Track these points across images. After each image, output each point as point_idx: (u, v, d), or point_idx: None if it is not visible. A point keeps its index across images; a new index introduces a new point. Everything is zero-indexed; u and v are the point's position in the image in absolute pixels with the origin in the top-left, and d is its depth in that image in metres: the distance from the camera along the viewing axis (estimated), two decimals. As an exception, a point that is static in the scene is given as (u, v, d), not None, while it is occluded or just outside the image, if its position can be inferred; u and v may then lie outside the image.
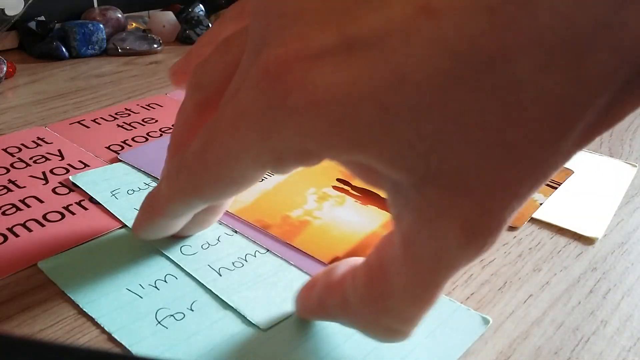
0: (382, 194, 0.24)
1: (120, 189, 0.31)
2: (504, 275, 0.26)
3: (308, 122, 0.14)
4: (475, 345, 0.22)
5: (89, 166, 0.33)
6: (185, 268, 0.25)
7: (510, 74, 0.12)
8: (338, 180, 0.33)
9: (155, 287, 0.24)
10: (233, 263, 0.26)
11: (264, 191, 0.32)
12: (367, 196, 0.31)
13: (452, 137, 0.13)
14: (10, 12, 0.47)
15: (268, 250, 0.27)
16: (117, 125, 0.39)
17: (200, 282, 0.24)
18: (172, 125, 0.38)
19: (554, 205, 0.32)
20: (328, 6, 0.14)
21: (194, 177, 0.19)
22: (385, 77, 0.13)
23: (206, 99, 0.21)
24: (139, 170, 0.33)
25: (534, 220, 0.30)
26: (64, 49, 0.51)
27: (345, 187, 0.32)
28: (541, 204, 0.31)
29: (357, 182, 0.32)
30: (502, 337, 0.23)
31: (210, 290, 0.24)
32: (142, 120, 0.39)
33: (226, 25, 0.22)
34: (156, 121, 0.39)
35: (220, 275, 0.25)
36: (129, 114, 0.40)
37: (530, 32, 0.12)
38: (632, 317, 0.24)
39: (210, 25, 0.57)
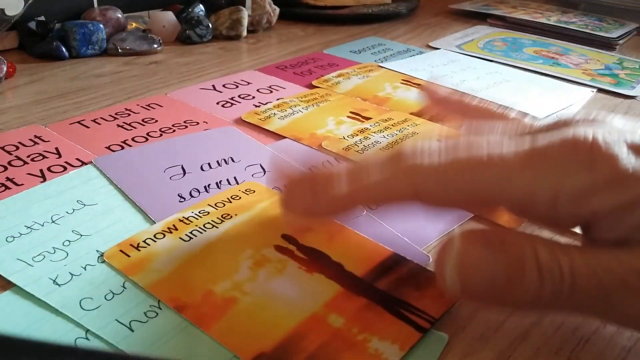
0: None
1: None
2: (504, 275, 0.26)
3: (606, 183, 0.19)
4: (475, 345, 0.22)
5: (86, 164, 0.33)
6: (89, 327, 0.21)
7: None
8: (283, 237, 0.27)
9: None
10: (145, 313, 0.22)
11: (189, 254, 0.26)
12: (314, 260, 0.25)
13: None
14: (10, 12, 0.47)
15: None
16: (117, 125, 0.38)
17: (110, 342, 0.21)
18: (173, 125, 0.38)
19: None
20: None
21: (444, 181, 0.21)
22: None
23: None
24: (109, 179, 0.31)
25: (534, 221, 0.30)
26: (64, 49, 0.51)
27: (291, 247, 0.26)
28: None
29: (305, 240, 0.27)
30: (502, 337, 0.23)
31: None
32: (142, 120, 0.39)
33: None
34: (156, 121, 0.39)
35: (133, 331, 0.21)
36: (129, 114, 0.40)
37: None
38: (632, 317, 0.24)
39: (210, 25, 0.57)
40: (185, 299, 0.23)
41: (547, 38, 0.63)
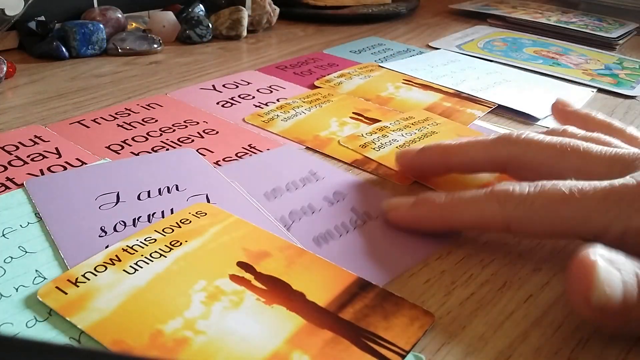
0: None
1: None
2: (504, 275, 0.26)
3: None
4: (475, 344, 0.22)
5: (86, 164, 0.33)
6: None
7: None
8: (239, 264, 0.25)
9: None
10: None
11: (135, 289, 0.23)
12: (273, 289, 0.23)
13: None
14: (10, 12, 0.47)
15: None
16: (117, 125, 0.38)
17: None
18: (173, 125, 0.38)
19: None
20: None
21: (529, 213, 0.24)
22: None
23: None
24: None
25: (534, 221, 0.30)
26: (64, 49, 0.51)
27: (248, 276, 0.24)
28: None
29: (263, 267, 0.24)
30: (502, 337, 0.23)
31: None
32: (142, 120, 0.39)
33: None
34: (156, 121, 0.39)
35: None
36: (129, 114, 0.40)
37: None
38: (632, 317, 0.24)
39: (210, 25, 0.57)
40: (130, 341, 0.20)
41: (547, 38, 0.63)
